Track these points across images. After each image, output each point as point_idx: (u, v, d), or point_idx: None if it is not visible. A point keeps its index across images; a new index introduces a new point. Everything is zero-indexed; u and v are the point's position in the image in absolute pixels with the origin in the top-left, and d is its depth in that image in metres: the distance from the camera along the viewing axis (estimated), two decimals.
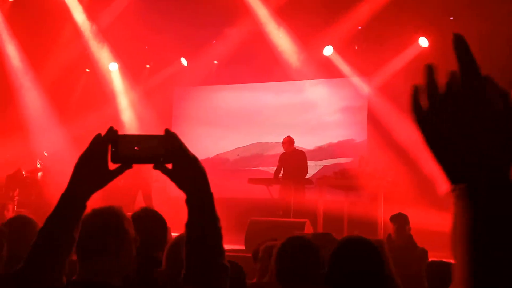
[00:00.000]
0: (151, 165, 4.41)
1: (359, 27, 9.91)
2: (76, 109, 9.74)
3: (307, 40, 9.92)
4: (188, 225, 1.24)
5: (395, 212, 6.42)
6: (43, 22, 9.13)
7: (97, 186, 1.26)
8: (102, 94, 10.74)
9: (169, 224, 8.38)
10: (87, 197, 1.26)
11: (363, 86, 10.33)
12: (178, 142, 1.24)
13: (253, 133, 11.27)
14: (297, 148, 8.43)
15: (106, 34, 10.10)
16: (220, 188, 10.19)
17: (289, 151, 8.30)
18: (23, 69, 9.96)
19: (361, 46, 10.34)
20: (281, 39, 10.12)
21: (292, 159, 8.21)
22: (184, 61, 11.28)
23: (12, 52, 9.86)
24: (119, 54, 10.69)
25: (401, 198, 7.86)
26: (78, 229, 1.26)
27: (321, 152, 10.50)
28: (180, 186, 1.24)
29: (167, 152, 1.23)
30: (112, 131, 1.24)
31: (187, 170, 1.23)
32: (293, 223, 6.24)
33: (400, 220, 5.09)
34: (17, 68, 9.96)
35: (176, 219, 8.26)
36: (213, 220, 1.24)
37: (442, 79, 0.81)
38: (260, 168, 11.01)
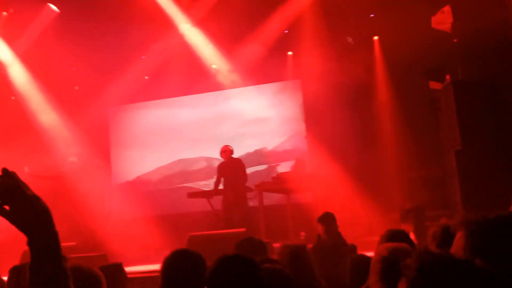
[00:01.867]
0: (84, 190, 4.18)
1: (286, 31, 10.03)
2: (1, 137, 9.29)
3: (235, 47, 9.93)
4: (31, 266, 1.17)
5: (337, 210, 6.53)
6: None
7: None
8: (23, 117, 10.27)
9: (112, 248, 8.01)
10: None
11: (296, 89, 10.45)
12: (15, 182, 1.17)
13: (174, 150, 11.16)
14: (234, 157, 8.40)
15: (26, 58, 9.72)
16: (161, 205, 10.11)
17: (228, 160, 8.26)
18: None
19: (291, 50, 10.48)
20: (207, 49, 10.10)
21: (231, 168, 8.17)
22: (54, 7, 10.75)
23: None
24: (44, 77, 10.30)
25: (340, 196, 8.00)
26: None
27: (257, 158, 10.54)
28: (20, 228, 1.17)
29: (3, 193, 1.15)
30: None
31: (26, 212, 1.17)
32: (231, 234, 6.19)
33: (327, 220, 5.16)
34: None
35: (121, 243, 7.94)
36: (58, 260, 1.18)
37: None
38: (185, 184, 10.92)
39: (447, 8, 7.94)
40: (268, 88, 10.77)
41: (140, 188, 11.11)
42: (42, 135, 10.36)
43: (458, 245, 1.55)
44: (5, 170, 1.17)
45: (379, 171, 8.94)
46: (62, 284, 1.17)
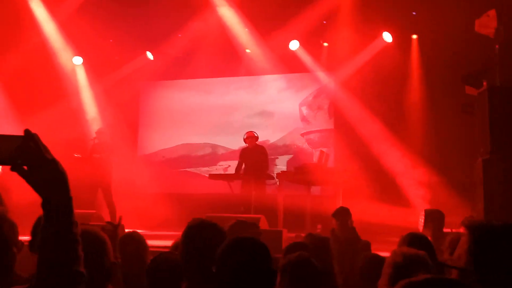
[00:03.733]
0: (109, 161, 4.38)
1: (324, 22, 9.91)
2: (37, 103, 9.52)
3: (272, 34, 9.87)
4: (43, 229, 1.20)
5: (354, 206, 6.47)
6: (1, 16, 8.87)
7: None
8: (64, 88, 10.53)
9: (129, 221, 8.29)
10: None
11: (328, 81, 10.34)
12: (36, 144, 1.19)
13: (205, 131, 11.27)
14: (258, 143, 8.39)
15: (67, 28, 9.88)
16: (182, 184, 10.21)
17: (251, 146, 8.26)
18: None
19: (326, 41, 10.36)
20: (244, 33, 10.08)
21: (254, 154, 8.17)
22: (150, 55, 11.15)
23: None
24: (82, 48, 10.49)
25: (360, 192, 7.93)
26: None
27: (283, 148, 10.55)
28: (36, 189, 1.20)
29: (24, 154, 1.18)
30: None
31: (43, 173, 1.19)
32: (247, 219, 6.20)
33: (342, 215, 5.12)
34: None
35: (138, 216, 8.26)
36: (69, 225, 1.21)
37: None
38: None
39: (492, 12, 7.69)
40: (296, 78, 10.69)
41: (158, 164, 11.25)
42: (76, 106, 10.61)
43: (461, 249, 1.51)
44: (27, 132, 1.20)
45: (404, 171, 8.80)
46: (70, 248, 1.20)
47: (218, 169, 10.82)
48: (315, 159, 9.70)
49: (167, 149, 11.44)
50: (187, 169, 11.12)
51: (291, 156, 10.17)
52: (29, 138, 1.20)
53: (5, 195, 5.17)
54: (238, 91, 11.08)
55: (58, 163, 1.22)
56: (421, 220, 6.34)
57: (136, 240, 3.38)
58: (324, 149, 8.82)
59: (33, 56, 9.69)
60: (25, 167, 1.19)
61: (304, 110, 10.58)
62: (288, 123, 10.51)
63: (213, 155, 11.10)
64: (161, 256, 2.70)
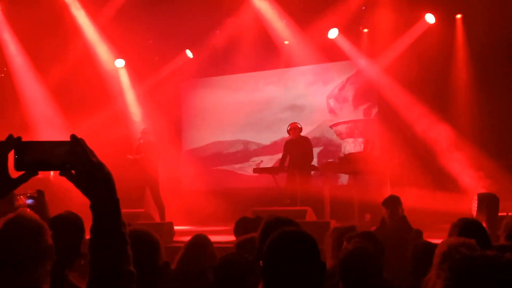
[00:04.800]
0: (156, 161, 4.49)
1: (363, 8, 9.72)
2: (83, 108, 9.80)
3: (310, 24, 9.75)
4: (92, 230, 1.24)
5: (404, 194, 6.32)
6: (42, 20, 9.17)
7: None
8: (108, 91, 10.80)
9: (178, 218, 8.44)
10: None
11: (371, 67, 10.14)
12: (82, 148, 1.22)
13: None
14: (302, 135, 8.33)
15: (108, 31, 10.11)
16: (227, 179, 10.30)
17: (295, 138, 8.20)
18: (26, 68, 10.09)
19: (366, 27, 10.16)
20: (281, 25, 10.02)
21: (298, 146, 8.11)
22: (189, 53, 11.26)
23: (14, 52, 9.99)
24: (123, 50, 10.71)
25: (408, 180, 7.74)
26: None
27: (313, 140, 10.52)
28: (84, 192, 1.23)
29: (71, 158, 1.22)
30: (11, 139, 1.21)
31: (90, 177, 1.22)
32: (294, 211, 6.19)
33: (392, 203, 5.00)
34: (20, 67, 10.09)
35: (185, 213, 8.40)
36: (117, 226, 1.23)
37: None
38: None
39: None
40: (323, 71, 10.59)
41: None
42: (121, 108, 10.87)
43: None
44: (73, 137, 1.23)
45: (454, 155, 8.53)
46: (119, 248, 1.23)
47: (251, 165, 10.92)
48: (355, 149, 9.67)
49: (199, 148, 11.57)
50: (219, 167, 11.24)
51: (321, 148, 10.10)
52: (76, 143, 1.22)
53: (65, 195, 5.34)
54: (267, 86, 11.12)
55: (104, 166, 1.25)
56: (475, 205, 6.13)
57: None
58: (369, 138, 8.65)
59: (78, 61, 9.97)
60: (73, 172, 1.22)
61: (332, 102, 10.61)
62: (317, 116, 10.54)
63: (245, 151, 11.18)
64: (230, 256, 2.63)
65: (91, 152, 1.24)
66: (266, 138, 10.96)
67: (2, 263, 1.55)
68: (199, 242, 3.13)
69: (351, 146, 10.00)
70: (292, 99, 10.86)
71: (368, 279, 2.38)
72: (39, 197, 2.65)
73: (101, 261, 1.20)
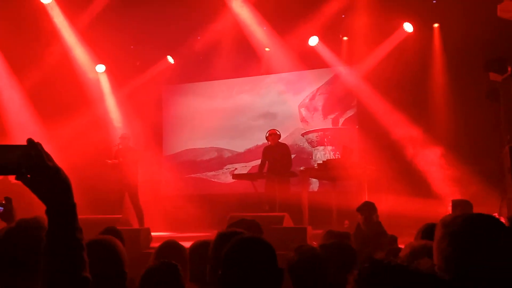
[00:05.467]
0: (135, 166, 4.46)
1: (343, 16, 9.82)
2: (61, 113, 9.69)
3: (290, 31, 9.81)
4: (47, 235, 1.22)
5: (381, 200, 6.39)
6: (20, 23, 9.07)
7: None
8: (88, 96, 10.71)
9: (157, 223, 8.37)
10: None
11: (350, 75, 10.25)
12: (38, 152, 1.21)
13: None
14: (280, 141, 8.37)
15: (87, 35, 10.04)
16: (204, 186, 10.27)
17: (273, 144, 8.24)
18: (2, 71, 9.95)
19: (345, 35, 10.27)
20: (262, 33, 10.07)
21: (276, 152, 8.15)
22: (170, 59, 11.25)
23: None
24: (103, 55, 10.65)
25: (385, 186, 7.82)
26: None
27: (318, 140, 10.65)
28: (40, 197, 1.22)
29: (27, 163, 1.20)
30: None
31: (46, 181, 1.21)
32: (272, 217, 6.21)
33: (367, 209, 5.06)
34: None
35: (164, 218, 8.32)
36: (73, 231, 1.22)
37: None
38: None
39: None
40: (316, 74, 10.70)
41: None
42: (101, 113, 10.78)
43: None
44: (30, 141, 1.22)
45: (430, 162, 8.65)
46: (75, 253, 1.21)
47: (224, 172, 11.06)
48: (325, 156, 9.95)
49: (175, 154, 11.60)
50: (192, 175, 11.30)
51: (294, 155, 10.26)
52: (32, 147, 1.21)
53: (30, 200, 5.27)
54: (241, 94, 11.29)
55: (61, 170, 1.24)
56: (449, 211, 6.22)
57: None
58: (347, 144, 8.74)
59: (56, 65, 9.87)
60: (29, 176, 1.21)
61: (303, 111, 10.85)
62: (290, 124, 10.75)
63: (219, 159, 11.30)
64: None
65: (48, 156, 1.23)
66: (240, 145, 11.06)
67: (7, 266, 1.56)
68: (169, 246, 3.13)
69: (321, 153, 10.36)
70: (265, 107, 11.02)
71: (314, 283, 2.40)
72: (7, 204, 2.62)
73: (55, 266, 1.18)
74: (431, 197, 8.06)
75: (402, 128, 8.95)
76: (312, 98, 10.78)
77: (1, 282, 1.57)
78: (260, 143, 10.65)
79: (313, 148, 10.55)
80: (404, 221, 7.16)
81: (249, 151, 10.93)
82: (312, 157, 10.40)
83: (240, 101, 11.22)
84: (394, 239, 4.79)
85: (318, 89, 10.73)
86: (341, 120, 10.47)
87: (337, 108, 10.49)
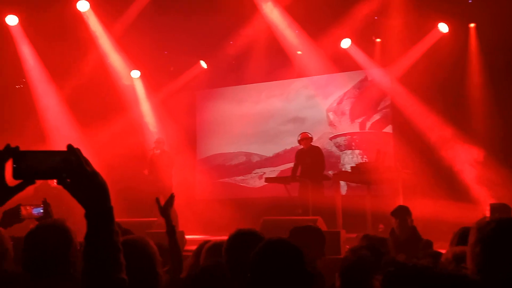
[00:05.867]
0: (170, 170, 4.60)
1: (376, 17, 9.72)
2: (98, 118, 9.93)
3: (323, 34, 9.77)
4: (86, 238, 1.26)
5: (416, 204, 6.25)
6: (59, 32, 9.34)
7: None
8: (123, 101, 10.93)
9: (191, 226, 8.47)
10: None
11: (382, 77, 10.13)
12: (77, 158, 1.26)
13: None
14: (312, 144, 8.34)
15: (122, 42, 10.25)
16: (236, 190, 10.33)
17: (306, 147, 8.22)
18: (42, 79, 10.29)
19: (378, 36, 10.16)
20: (294, 36, 10.06)
21: (309, 155, 8.13)
22: (203, 64, 11.36)
23: (32, 63, 10.19)
24: (138, 61, 10.85)
25: (421, 189, 7.68)
26: None
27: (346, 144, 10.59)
28: (79, 200, 1.27)
29: (68, 168, 1.25)
30: (9, 148, 1.25)
31: (85, 186, 1.26)
32: (304, 221, 6.17)
33: (401, 214, 4.96)
34: (37, 78, 10.29)
35: (198, 221, 8.40)
36: (110, 234, 1.26)
37: None
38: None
39: None
40: (345, 77, 10.65)
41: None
42: (136, 118, 10.99)
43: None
44: (70, 147, 1.27)
45: (467, 165, 8.45)
46: (112, 255, 1.25)
47: (253, 177, 11.09)
48: (353, 160, 10.06)
49: (207, 158, 11.70)
50: (220, 180, 11.38)
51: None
52: (72, 152, 1.26)
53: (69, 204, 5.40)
54: (270, 98, 11.35)
55: (99, 175, 1.28)
56: (487, 215, 6.06)
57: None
58: (381, 148, 8.62)
59: (93, 72, 10.12)
60: (69, 180, 1.26)
61: (331, 115, 10.83)
62: (318, 128, 10.71)
63: (248, 163, 11.35)
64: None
65: (86, 161, 1.27)
66: (269, 150, 11.09)
67: (37, 266, 1.62)
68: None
69: (349, 157, 10.37)
70: (294, 111, 11.04)
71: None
72: (45, 208, 2.71)
73: (93, 269, 1.22)
74: (468, 201, 7.87)
75: (438, 131, 8.77)
76: (340, 102, 10.77)
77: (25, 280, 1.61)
78: (288, 147, 10.78)
79: (341, 152, 10.52)
80: (440, 225, 7.01)
81: (277, 155, 10.99)
82: (340, 161, 10.35)
83: (269, 106, 11.27)
84: (429, 244, 4.70)
85: (345, 93, 10.71)
86: (368, 124, 10.43)
87: (364, 112, 10.44)
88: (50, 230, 1.81)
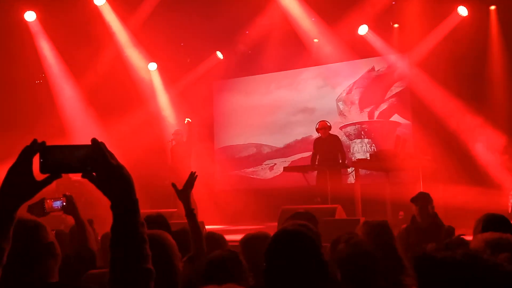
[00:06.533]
0: (188, 160, 4.63)
1: (393, 2, 9.59)
2: (117, 111, 10.02)
3: (339, 21, 9.67)
4: (112, 230, 1.28)
5: (437, 191, 6.19)
6: (76, 26, 9.43)
7: (24, 197, 1.29)
8: (141, 94, 11.01)
9: (210, 216, 8.50)
10: (15, 209, 1.29)
11: (402, 63, 10.00)
12: (102, 152, 1.28)
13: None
14: (331, 133, 8.30)
15: (139, 34, 10.30)
16: (249, 180, 10.30)
17: (324, 136, 8.18)
18: (61, 74, 10.42)
19: (396, 22, 10.01)
20: (310, 24, 9.98)
21: (328, 144, 8.09)
22: (219, 55, 11.36)
23: (50, 58, 10.33)
24: (155, 53, 10.90)
25: (441, 176, 7.59)
26: (7, 240, 1.29)
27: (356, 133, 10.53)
28: (105, 193, 1.29)
29: (92, 161, 1.27)
30: (36, 143, 1.28)
31: (110, 179, 1.28)
32: (324, 209, 6.18)
33: (422, 200, 4.90)
34: (56, 73, 10.43)
35: (217, 211, 8.45)
36: (136, 225, 1.28)
37: None
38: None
39: None
40: (354, 66, 10.56)
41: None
42: (152, 110, 11.06)
43: None
44: (94, 141, 1.29)
45: (489, 151, 8.32)
46: (138, 246, 1.27)
47: (264, 168, 11.07)
48: (363, 149, 10.04)
49: (224, 148, 11.72)
50: (231, 172, 11.41)
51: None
52: (96, 146, 1.28)
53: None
54: (279, 89, 11.29)
55: (123, 168, 1.30)
56: (510, 201, 5.97)
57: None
58: (400, 135, 8.54)
59: (111, 65, 10.21)
60: (94, 174, 1.28)
61: (341, 105, 10.77)
62: (328, 118, 10.48)
63: (258, 155, 11.33)
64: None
65: (111, 155, 1.30)
66: (279, 141, 11.08)
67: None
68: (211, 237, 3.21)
69: (358, 146, 10.31)
70: (304, 102, 10.99)
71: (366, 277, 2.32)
72: (69, 200, 2.76)
73: (121, 259, 1.25)
74: (489, 187, 7.76)
75: (459, 117, 8.65)
76: (349, 92, 10.71)
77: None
78: (299, 137, 10.81)
79: (350, 141, 10.44)
80: (462, 212, 6.94)
81: (288, 146, 10.97)
82: (350, 150, 10.27)
83: (278, 96, 11.24)
84: (451, 231, 4.64)
85: (354, 82, 10.63)
86: (376, 113, 10.34)
87: (373, 101, 10.37)
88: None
